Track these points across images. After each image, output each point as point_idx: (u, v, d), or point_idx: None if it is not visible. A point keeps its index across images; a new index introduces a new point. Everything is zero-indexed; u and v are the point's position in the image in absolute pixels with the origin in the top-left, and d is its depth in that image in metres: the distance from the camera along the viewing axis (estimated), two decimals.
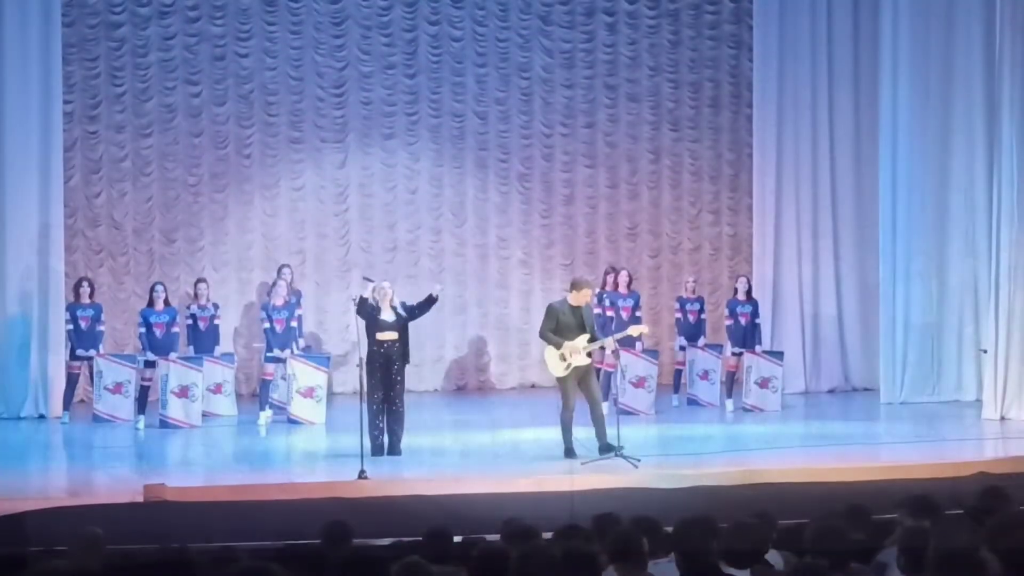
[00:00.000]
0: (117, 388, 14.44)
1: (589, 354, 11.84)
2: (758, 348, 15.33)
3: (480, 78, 17.64)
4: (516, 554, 4.97)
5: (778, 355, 15.53)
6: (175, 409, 14.03)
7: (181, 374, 14.10)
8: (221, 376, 14.97)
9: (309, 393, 14.45)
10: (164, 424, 14.01)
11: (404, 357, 12.32)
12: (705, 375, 15.48)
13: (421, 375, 17.39)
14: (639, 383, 14.86)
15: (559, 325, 11.83)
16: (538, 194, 17.85)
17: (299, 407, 14.38)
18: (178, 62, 16.81)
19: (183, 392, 14.05)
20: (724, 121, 18.14)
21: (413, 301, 12.69)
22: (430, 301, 12.55)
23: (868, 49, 16.80)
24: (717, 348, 15.63)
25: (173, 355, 14.31)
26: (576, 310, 11.87)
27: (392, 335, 12.25)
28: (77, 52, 16.45)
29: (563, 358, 11.76)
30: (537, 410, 15.62)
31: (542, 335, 12.01)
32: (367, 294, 12.37)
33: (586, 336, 11.78)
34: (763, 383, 15.13)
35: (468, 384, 17.73)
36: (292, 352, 14.57)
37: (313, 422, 14.36)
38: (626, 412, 14.08)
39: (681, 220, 18.14)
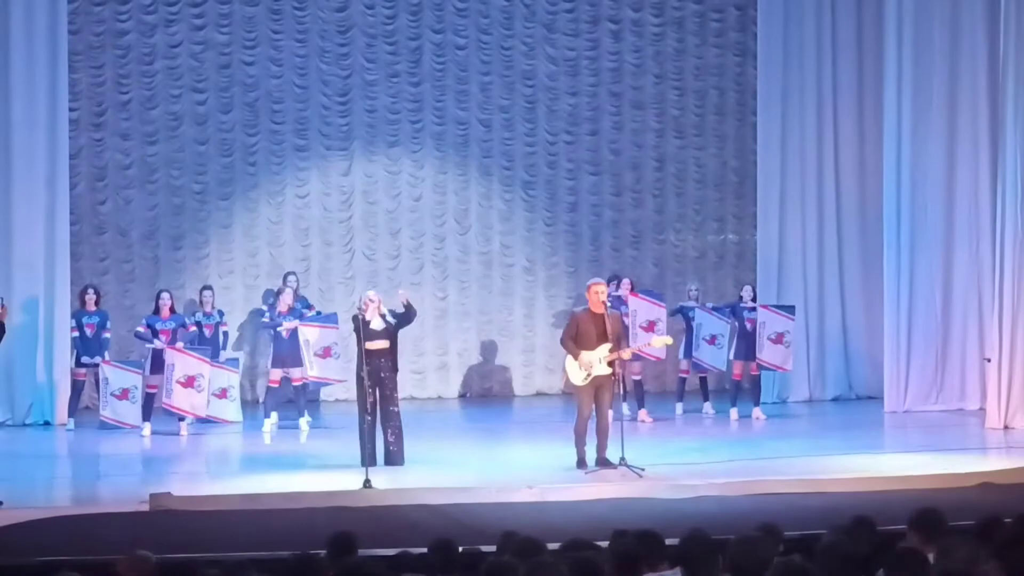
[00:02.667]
0: (123, 394, 14.47)
1: (610, 363, 11.75)
2: (765, 353, 15.33)
3: (484, 86, 17.67)
4: (524, 569, 4.98)
5: (789, 309, 15.56)
6: (180, 398, 14.05)
7: (187, 364, 14.11)
8: (226, 381, 14.98)
9: (327, 353, 14.65)
10: (168, 413, 14.08)
11: (393, 367, 12.16)
12: (712, 340, 15.45)
13: (424, 382, 17.42)
14: (649, 327, 14.95)
15: (579, 333, 11.73)
16: (542, 202, 17.86)
17: (320, 369, 14.57)
18: (184, 70, 16.85)
19: (189, 382, 14.06)
20: (729, 129, 18.14)
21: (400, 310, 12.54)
22: (408, 309, 12.37)
23: (872, 57, 16.81)
24: (724, 311, 15.62)
25: (179, 343, 14.36)
26: (599, 318, 11.68)
27: (383, 344, 12.07)
28: (83, 60, 16.49)
29: (583, 367, 11.70)
30: (541, 418, 15.66)
31: (561, 342, 11.98)
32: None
33: (608, 346, 11.69)
34: (777, 338, 15.16)
35: (471, 392, 17.73)
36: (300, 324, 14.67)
37: (339, 380, 14.78)
38: (640, 358, 14.16)
39: (685, 228, 18.14)
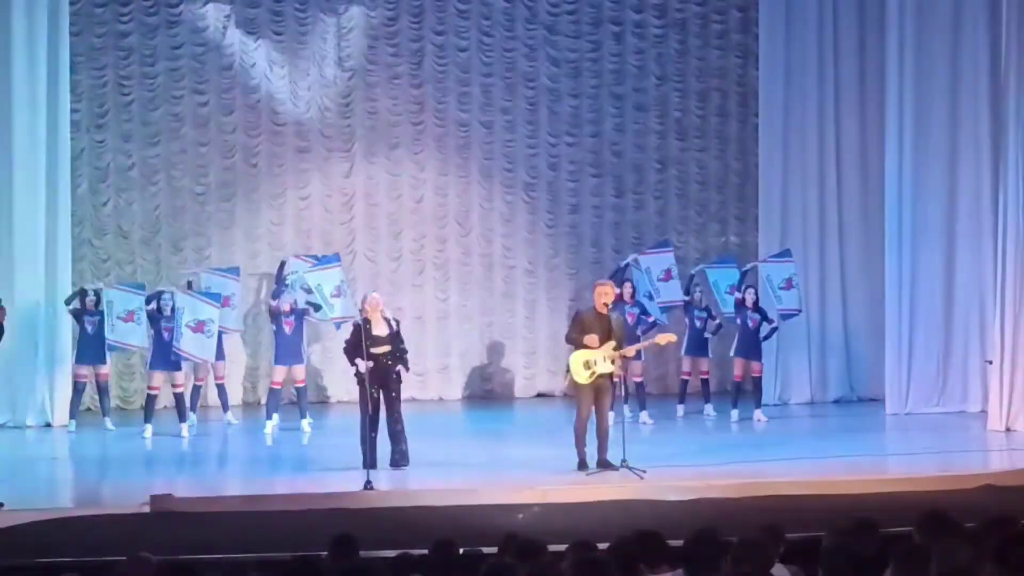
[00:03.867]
0: (129, 316, 14.45)
1: (613, 362, 11.74)
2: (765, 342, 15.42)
3: (486, 88, 17.67)
4: (524, 571, 4.98)
5: (785, 253, 15.96)
6: (189, 343, 14.07)
7: (198, 308, 14.14)
8: (228, 290, 15.08)
9: (339, 293, 14.73)
10: (177, 357, 14.11)
11: (401, 363, 12.05)
12: (732, 290, 15.58)
13: (426, 384, 17.40)
14: (666, 276, 15.46)
15: (583, 332, 11.75)
16: (544, 203, 17.86)
17: (338, 309, 14.62)
18: (185, 71, 16.86)
19: (199, 327, 14.08)
20: (731, 130, 18.13)
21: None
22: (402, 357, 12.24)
23: (874, 59, 16.79)
24: (731, 260, 16.22)
25: (191, 290, 14.49)
26: (603, 318, 11.72)
27: (385, 347, 11.99)
28: (85, 61, 16.49)
29: (587, 365, 11.69)
30: (543, 419, 15.66)
31: (567, 338, 12.02)
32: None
33: (611, 344, 11.69)
34: (787, 284, 15.55)
35: (473, 393, 17.72)
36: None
37: (352, 316, 14.71)
38: (667, 307, 15.11)
39: (687, 230, 18.13)
